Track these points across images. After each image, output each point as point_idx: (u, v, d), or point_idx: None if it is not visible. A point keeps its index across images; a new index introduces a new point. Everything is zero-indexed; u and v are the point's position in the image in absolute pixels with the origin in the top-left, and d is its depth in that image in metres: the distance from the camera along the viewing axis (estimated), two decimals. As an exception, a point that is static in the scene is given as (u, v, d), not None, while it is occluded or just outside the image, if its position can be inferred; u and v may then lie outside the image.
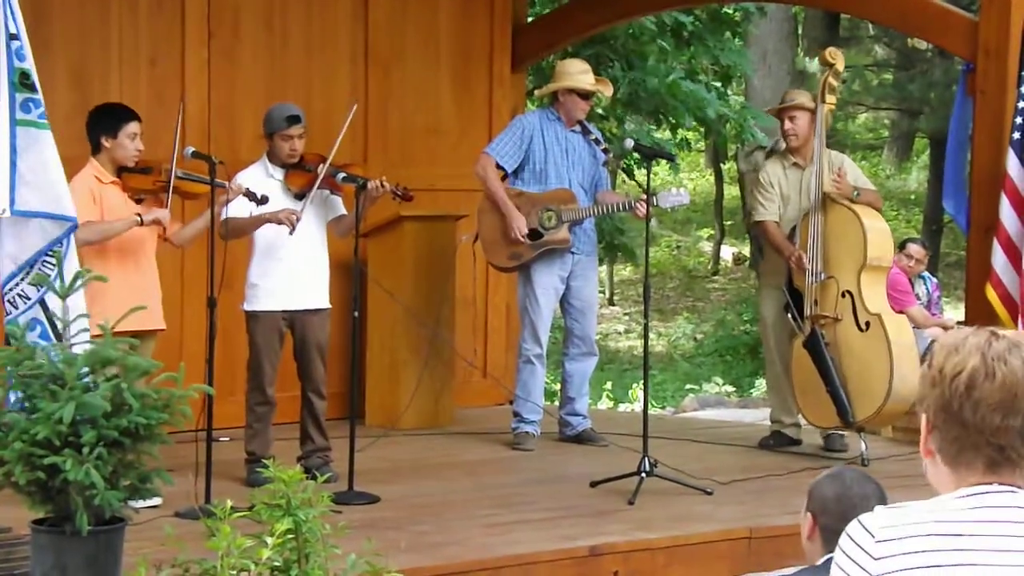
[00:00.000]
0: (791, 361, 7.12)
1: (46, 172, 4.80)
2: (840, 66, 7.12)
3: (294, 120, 6.27)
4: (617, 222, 12.85)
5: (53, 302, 4.72)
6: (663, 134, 13.37)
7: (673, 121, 12.51)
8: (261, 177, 6.28)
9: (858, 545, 1.91)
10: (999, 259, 6.59)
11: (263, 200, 6.07)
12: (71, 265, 4.82)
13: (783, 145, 7.34)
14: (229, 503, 3.79)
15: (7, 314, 4.90)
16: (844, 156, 7.61)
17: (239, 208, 6.11)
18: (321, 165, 6.25)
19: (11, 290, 4.87)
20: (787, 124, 7.19)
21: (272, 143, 6.32)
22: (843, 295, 6.90)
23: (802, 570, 3.11)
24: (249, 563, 3.66)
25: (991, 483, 1.92)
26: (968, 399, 1.90)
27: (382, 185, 6.23)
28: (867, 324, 6.82)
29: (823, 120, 7.04)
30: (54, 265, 4.80)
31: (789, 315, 7.03)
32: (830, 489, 3.15)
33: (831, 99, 7.08)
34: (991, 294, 6.61)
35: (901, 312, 7.65)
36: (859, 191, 7.03)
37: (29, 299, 4.86)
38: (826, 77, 7.11)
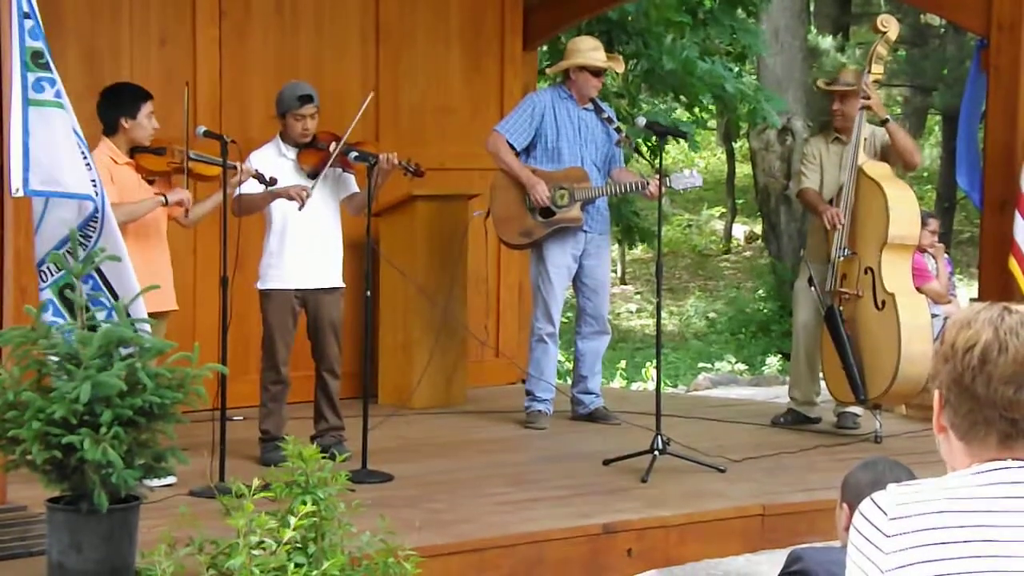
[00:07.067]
0: (819, 337, 7.09)
1: (57, 151, 4.79)
2: (893, 34, 6.97)
3: (306, 99, 6.27)
4: (632, 205, 12.82)
5: (110, 273, 4.78)
6: (681, 114, 13.32)
7: (687, 101, 12.47)
8: (274, 157, 6.29)
9: (871, 523, 1.91)
10: (1021, 232, 6.50)
11: (272, 182, 6.09)
12: (109, 241, 4.83)
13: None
14: (256, 481, 3.81)
15: (41, 283, 4.91)
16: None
17: (251, 187, 6.13)
18: (334, 143, 6.26)
19: (43, 262, 4.88)
20: (836, 104, 7.16)
21: (285, 123, 6.32)
22: (865, 272, 6.86)
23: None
24: (271, 543, 3.68)
25: (1005, 459, 1.91)
26: (980, 373, 1.90)
27: (394, 161, 6.24)
28: (883, 303, 6.79)
29: (868, 90, 6.92)
30: (87, 239, 4.82)
31: (812, 289, 7.02)
32: (864, 478, 3.14)
33: (877, 69, 6.95)
34: (1015, 268, 6.51)
35: (920, 290, 7.59)
36: (890, 120, 6.98)
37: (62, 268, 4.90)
38: (875, 46, 6.98)
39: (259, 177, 6.06)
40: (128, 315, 4.40)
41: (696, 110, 13.20)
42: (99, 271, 4.78)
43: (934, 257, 9.15)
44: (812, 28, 18.62)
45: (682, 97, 12.42)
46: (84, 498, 4.08)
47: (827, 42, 18.44)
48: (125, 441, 4.03)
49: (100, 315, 4.58)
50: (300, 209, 6.13)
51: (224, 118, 7.41)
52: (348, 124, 6.25)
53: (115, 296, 4.79)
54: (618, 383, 13.15)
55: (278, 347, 6.24)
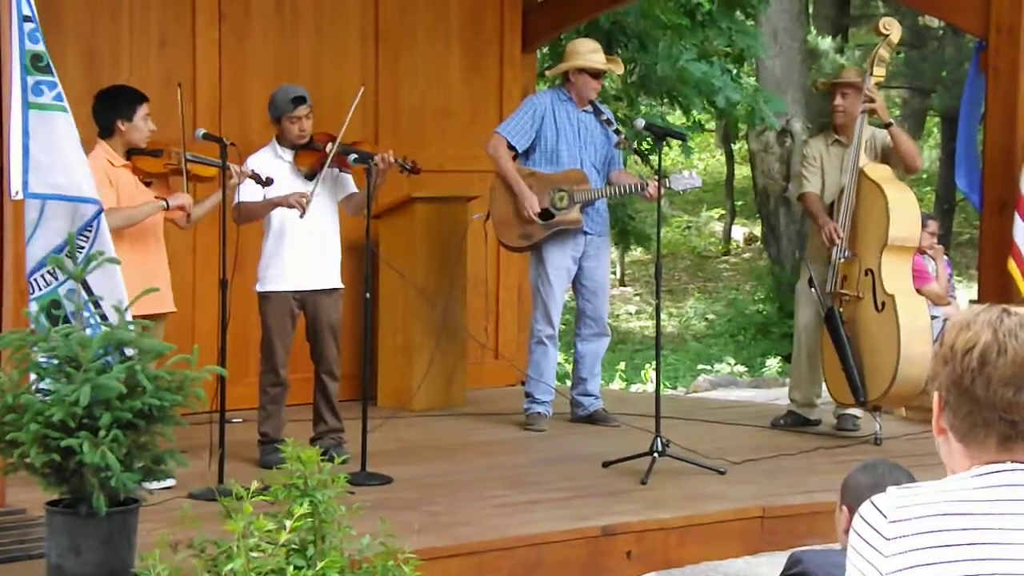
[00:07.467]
0: (820, 339, 7.09)
1: (59, 154, 4.78)
2: (895, 37, 6.97)
3: (300, 101, 6.27)
4: (629, 208, 12.81)
5: (97, 282, 4.75)
6: (676, 118, 13.29)
7: (684, 103, 12.46)
8: (271, 159, 6.29)
9: (871, 526, 1.91)
10: (1021, 234, 6.49)
11: (268, 182, 6.09)
12: (105, 246, 4.81)
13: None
14: (255, 484, 3.80)
15: (30, 293, 4.89)
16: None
17: (251, 192, 6.13)
18: (330, 144, 6.25)
19: (35, 271, 4.87)
20: (837, 100, 7.15)
21: (280, 126, 6.32)
22: (865, 273, 6.86)
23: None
24: (267, 546, 3.67)
25: (1004, 461, 1.91)
26: (980, 374, 1.90)
27: (390, 159, 6.23)
28: (882, 304, 6.80)
29: (872, 93, 6.91)
30: (82, 247, 4.79)
31: (812, 290, 7.02)
32: (864, 480, 3.14)
33: (879, 71, 6.95)
34: (1014, 269, 6.49)
35: (919, 291, 7.58)
36: (893, 123, 7.02)
37: (50, 282, 4.86)
38: (877, 48, 6.97)
39: (256, 177, 6.05)
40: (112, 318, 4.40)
41: (693, 112, 13.20)
42: (84, 283, 4.77)
43: (934, 259, 9.14)
44: (811, 30, 18.63)
45: (678, 101, 12.41)
46: (83, 501, 4.07)
47: (826, 44, 18.46)
48: (124, 444, 4.02)
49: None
50: (301, 216, 6.13)
51: (224, 120, 7.41)
52: (342, 127, 6.23)
53: (99, 306, 4.77)
54: (617, 385, 13.15)
55: (277, 349, 6.24)
